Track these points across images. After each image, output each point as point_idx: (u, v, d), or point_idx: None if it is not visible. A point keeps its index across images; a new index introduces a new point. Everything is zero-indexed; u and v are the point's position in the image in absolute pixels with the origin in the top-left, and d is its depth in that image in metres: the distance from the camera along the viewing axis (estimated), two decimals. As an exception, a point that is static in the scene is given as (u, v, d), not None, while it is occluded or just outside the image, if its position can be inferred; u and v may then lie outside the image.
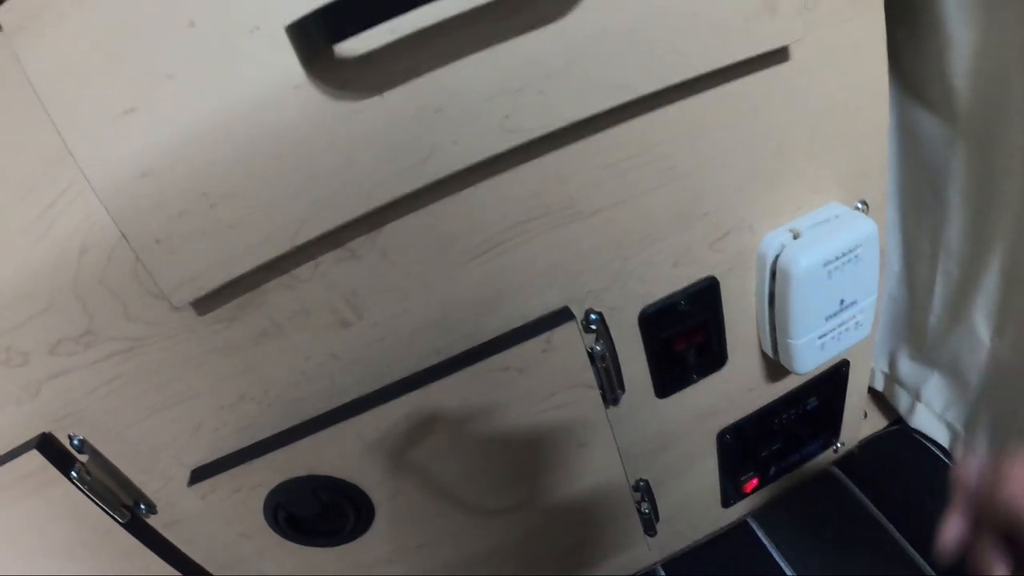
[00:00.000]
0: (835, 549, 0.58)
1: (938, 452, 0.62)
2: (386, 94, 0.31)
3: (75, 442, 0.40)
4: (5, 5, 0.30)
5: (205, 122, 0.31)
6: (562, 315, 0.41)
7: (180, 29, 0.30)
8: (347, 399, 0.41)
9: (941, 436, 0.62)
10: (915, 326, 0.60)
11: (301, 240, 0.33)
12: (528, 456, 0.46)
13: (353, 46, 0.30)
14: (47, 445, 0.39)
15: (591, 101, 0.34)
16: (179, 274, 0.33)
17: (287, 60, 0.30)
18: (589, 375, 0.43)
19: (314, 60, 0.30)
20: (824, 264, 0.43)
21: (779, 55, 0.39)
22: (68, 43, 0.29)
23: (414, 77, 0.31)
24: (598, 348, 0.42)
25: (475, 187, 0.36)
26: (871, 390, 0.68)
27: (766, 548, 0.60)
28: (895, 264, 0.60)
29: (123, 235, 0.33)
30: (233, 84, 0.30)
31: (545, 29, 0.32)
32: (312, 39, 0.29)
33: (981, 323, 0.53)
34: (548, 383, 0.42)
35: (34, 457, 0.39)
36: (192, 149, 0.31)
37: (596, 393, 0.44)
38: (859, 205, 0.47)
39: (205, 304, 0.36)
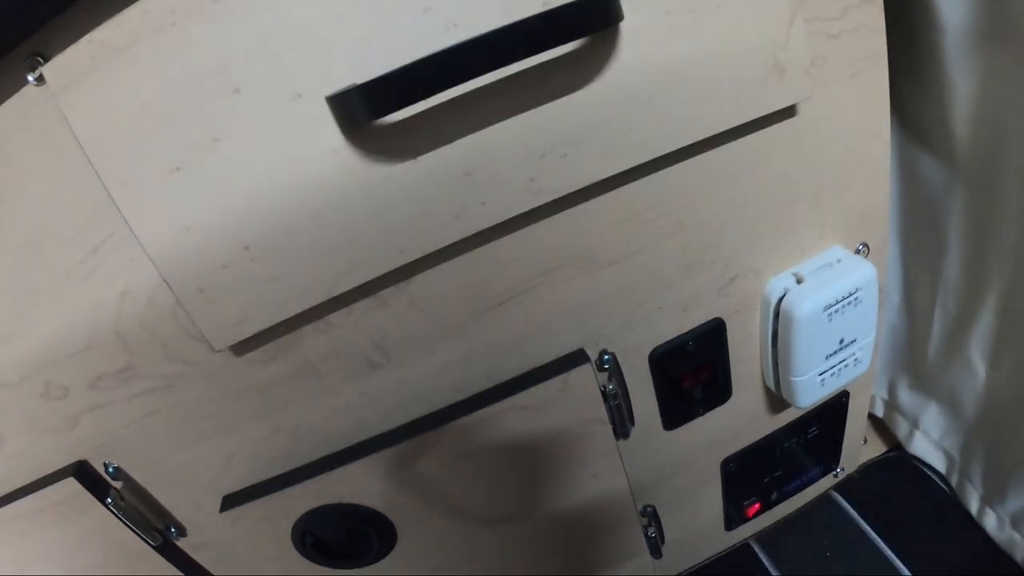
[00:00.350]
0: (834, 570, 0.60)
1: (935, 478, 0.64)
2: (419, 158, 0.33)
3: (110, 469, 0.42)
4: (52, 63, 0.30)
5: (248, 181, 0.32)
6: (578, 357, 0.43)
7: (226, 95, 0.31)
8: (374, 433, 0.43)
9: (938, 463, 0.64)
10: (915, 356, 0.62)
11: (337, 292, 0.35)
12: (543, 486, 0.48)
13: (390, 116, 0.32)
14: (83, 472, 0.41)
15: (611, 164, 0.36)
16: (220, 320, 0.35)
17: (327, 125, 0.32)
18: (602, 411, 0.45)
19: (353, 129, 0.32)
20: (825, 308, 0.45)
21: (787, 112, 0.40)
22: (114, 103, 0.30)
23: (446, 143, 0.33)
24: (611, 387, 0.44)
25: (500, 240, 0.38)
26: (871, 416, 0.70)
27: (767, 569, 0.62)
28: (896, 295, 0.62)
29: (167, 283, 0.34)
30: (275, 147, 0.32)
31: (569, 97, 0.34)
32: (354, 113, 0.30)
33: (977, 356, 0.55)
34: (564, 419, 0.44)
35: (70, 484, 0.40)
36: (235, 206, 0.33)
37: (608, 428, 0.46)
38: (860, 247, 0.49)
39: (243, 346, 0.38)
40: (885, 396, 0.68)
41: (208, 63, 0.31)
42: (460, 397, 0.43)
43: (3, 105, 0.32)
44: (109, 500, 0.41)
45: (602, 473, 0.48)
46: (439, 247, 0.35)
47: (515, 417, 0.42)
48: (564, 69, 0.33)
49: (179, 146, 0.32)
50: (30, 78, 0.31)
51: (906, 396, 0.65)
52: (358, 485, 0.43)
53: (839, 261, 0.47)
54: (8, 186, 0.33)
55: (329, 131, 0.32)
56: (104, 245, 0.35)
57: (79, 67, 0.30)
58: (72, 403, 0.39)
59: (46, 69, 0.31)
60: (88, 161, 0.32)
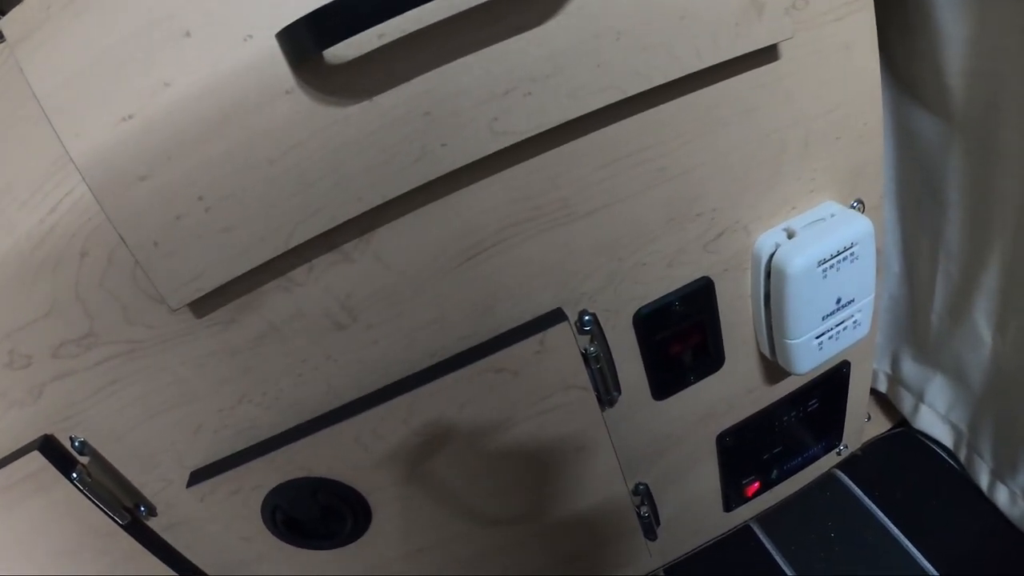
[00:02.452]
0: (839, 553, 0.58)
1: (943, 454, 0.61)
2: (375, 98, 0.32)
3: (76, 444, 0.41)
4: (8, 16, 0.31)
5: (200, 127, 0.31)
6: (555, 316, 0.41)
7: (176, 38, 0.31)
8: (344, 401, 0.41)
9: (945, 437, 0.61)
10: (917, 327, 0.60)
11: (295, 242, 0.34)
12: (524, 459, 0.46)
13: (341, 52, 0.30)
14: (49, 447, 0.40)
15: (579, 103, 0.34)
16: (176, 276, 0.34)
17: (279, 67, 0.31)
18: (583, 376, 0.43)
19: (304, 66, 0.31)
20: (819, 263, 0.43)
21: (769, 55, 0.39)
22: (68, 53, 0.30)
23: (402, 81, 0.32)
24: (592, 349, 0.42)
25: (467, 189, 0.36)
26: (874, 392, 0.67)
27: (769, 553, 0.60)
28: (895, 264, 0.60)
29: (121, 238, 0.33)
30: (227, 90, 0.31)
31: (532, 32, 0.32)
32: (301, 46, 0.29)
33: (982, 322, 0.53)
34: (542, 385, 0.42)
35: (35, 459, 0.39)
36: (188, 153, 0.32)
37: (591, 395, 0.44)
38: (855, 204, 0.47)
39: (202, 307, 0.37)
40: (888, 370, 0.66)
41: (158, 6, 0.30)
42: (432, 361, 0.41)
43: (-39, 65, 0.32)
44: (75, 475, 0.40)
45: (587, 446, 0.46)
46: (399, 193, 0.34)
47: (490, 381, 0.41)
48: (525, 2, 0.32)
49: (131, 93, 0.31)
50: (-14, 34, 0.31)
51: (910, 369, 0.62)
52: (327, 457, 0.41)
53: (833, 216, 0.45)
54: (-34, 146, 0.33)
55: (281, 72, 0.31)
56: (61, 204, 0.34)
57: (34, 19, 0.30)
58: (36, 373, 0.38)
59: (3, 23, 0.31)
60: (44, 114, 0.31)
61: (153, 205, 0.33)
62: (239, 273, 0.34)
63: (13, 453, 0.40)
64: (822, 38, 0.40)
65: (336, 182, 0.33)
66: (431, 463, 0.43)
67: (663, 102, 0.38)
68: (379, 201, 0.34)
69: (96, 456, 0.42)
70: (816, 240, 0.43)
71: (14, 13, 0.31)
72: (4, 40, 0.31)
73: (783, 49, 0.39)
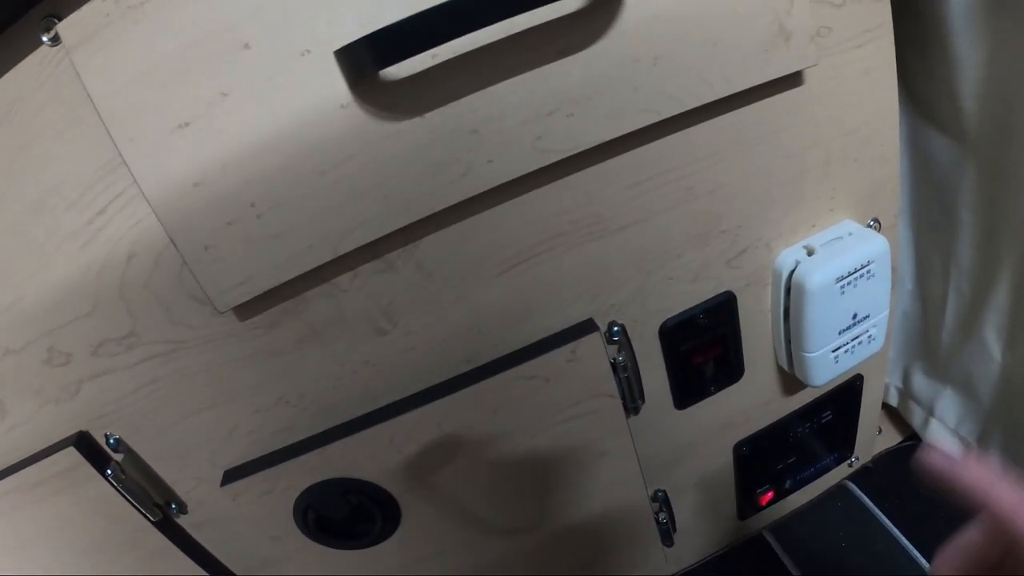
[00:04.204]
0: (850, 562, 0.58)
1: (952, 468, 0.62)
2: (426, 115, 0.33)
3: (111, 441, 0.41)
4: (66, 21, 0.31)
5: (255, 137, 0.32)
6: (587, 327, 0.42)
7: (235, 50, 0.32)
8: (379, 404, 0.42)
9: (955, 451, 0.62)
10: (928, 342, 0.61)
11: (342, 251, 0.35)
12: (550, 464, 0.47)
13: (397, 70, 0.32)
14: (84, 443, 0.41)
15: (617, 124, 0.36)
16: (224, 280, 0.35)
17: (335, 81, 0.32)
18: (611, 385, 0.44)
19: (360, 83, 0.32)
20: (837, 280, 0.44)
21: (794, 80, 0.41)
22: (126, 59, 0.31)
23: (453, 100, 0.33)
24: (620, 359, 0.43)
25: (507, 204, 0.38)
26: (886, 405, 0.68)
27: (781, 562, 0.61)
28: (908, 282, 0.61)
29: (172, 241, 0.34)
30: (283, 103, 0.32)
31: (575, 56, 0.34)
32: (360, 64, 0.30)
33: (992, 338, 0.54)
34: (572, 391, 0.43)
35: (70, 454, 0.40)
36: (242, 162, 0.33)
37: (617, 402, 0.45)
38: (872, 223, 0.49)
39: (247, 310, 0.38)
40: (899, 384, 0.67)
41: (219, 18, 0.31)
42: (467, 367, 0.42)
43: (18, 67, 0.32)
44: (109, 472, 0.41)
45: (611, 452, 0.47)
46: (445, 206, 0.35)
47: (522, 387, 0.42)
48: (570, 27, 0.33)
49: (188, 101, 0.32)
50: (44, 38, 0.32)
51: (921, 383, 0.64)
52: (361, 459, 0.42)
53: (851, 234, 0.46)
54: (19, 147, 0.34)
55: (337, 87, 0.32)
56: (111, 206, 0.35)
57: (93, 25, 0.31)
58: (74, 370, 0.39)
59: (61, 27, 0.31)
60: (99, 118, 0.32)
61: (205, 211, 0.33)
62: (286, 279, 0.35)
63: (47, 448, 0.41)
64: (844, 64, 0.42)
65: (385, 194, 0.34)
66: (461, 466, 0.44)
67: (692, 124, 0.39)
68: (425, 214, 0.35)
69: (130, 453, 0.42)
70: (835, 257, 0.44)
71: (72, 18, 0.31)
72: (59, 43, 0.32)
73: (807, 75, 0.41)
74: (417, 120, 0.33)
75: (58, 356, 0.38)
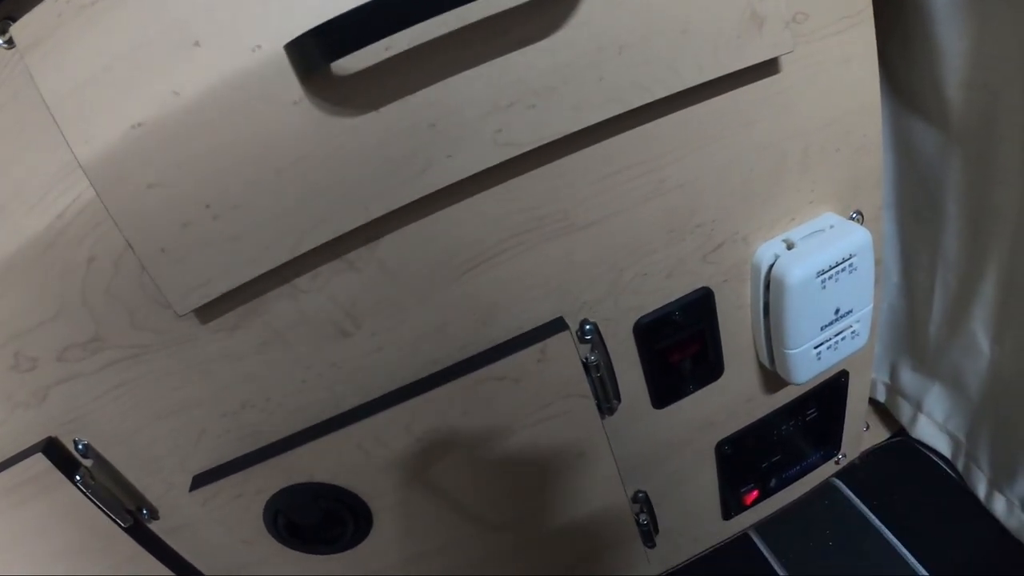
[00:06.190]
0: (837, 561, 0.58)
1: (940, 463, 0.61)
2: (382, 110, 0.32)
3: (80, 447, 0.41)
4: (19, 22, 0.31)
5: (208, 137, 0.32)
6: (556, 325, 0.41)
7: (186, 48, 0.31)
8: (347, 407, 0.42)
9: (943, 446, 0.61)
10: (915, 337, 0.60)
11: (301, 250, 0.34)
12: (525, 466, 0.46)
13: (349, 64, 0.31)
14: (52, 449, 0.40)
15: (582, 116, 0.35)
16: (183, 283, 0.34)
17: (286, 77, 0.31)
18: (584, 385, 0.43)
19: (312, 77, 0.31)
20: (818, 274, 0.43)
21: (769, 68, 0.39)
22: (79, 60, 0.31)
23: (409, 93, 0.32)
24: (592, 358, 0.43)
25: (471, 199, 0.37)
26: (873, 401, 0.68)
27: (767, 560, 0.60)
28: (894, 275, 0.60)
29: (129, 244, 0.34)
30: (235, 100, 0.31)
31: (535, 46, 0.33)
32: (309, 58, 0.30)
33: (980, 332, 0.53)
34: (543, 392, 0.42)
35: (39, 461, 0.40)
36: (196, 162, 0.32)
37: (591, 403, 0.44)
38: (854, 216, 0.48)
39: (208, 312, 0.37)
40: (887, 380, 0.66)
41: (169, 16, 0.31)
42: (434, 369, 0.42)
43: (-28, 70, 0.32)
44: (78, 478, 0.40)
45: (587, 453, 0.47)
46: (405, 203, 0.34)
47: (492, 389, 0.41)
48: (529, 16, 0.32)
49: (140, 101, 0.31)
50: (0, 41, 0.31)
51: (908, 378, 0.63)
52: (329, 462, 0.41)
53: (832, 227, 0.45)
54: (-22, 151, 0.33)
55: (289, 83, 0.31)
56: (69, 209, 0.35)
57: (46, 26, 0.31)
58: (41, 375, 0.38)
59: (14, 30, 0.31)
60: (53, 121, 0.31)
61: (161, 212, 0.33)
62: (245, 280, 0.35)
63: (17, 455, 0.41)
64: (822, 51, 0.41)
65: (342, 192, 0.33)
66: (432, 469, 0.44)
67: (663, 115, 0.38)
68: (384, 211, 0.34)
69: (99, 459, 0.42)
70: (815, 251, 0.43)
71: (25, 19, 0.31)
72: (15, 46, 0.32)
73: (783, 62, 0.40)
74: (372, 115, 0.32)
75: (24, 361, 0.38)
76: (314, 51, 0.29)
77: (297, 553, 0.45)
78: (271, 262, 0.34)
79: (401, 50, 0.31)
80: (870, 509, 0.60)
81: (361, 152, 0.33)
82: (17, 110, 0.33)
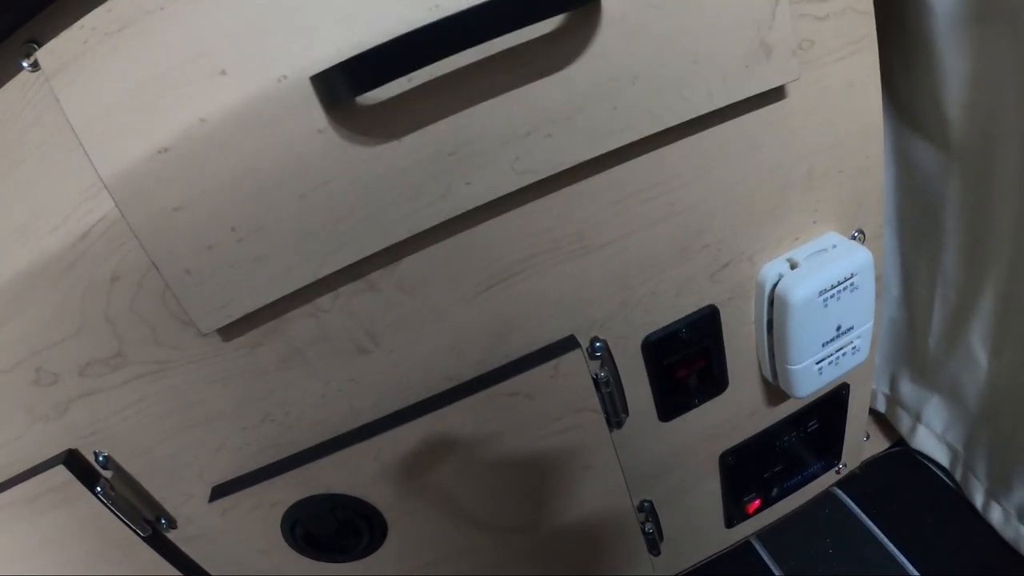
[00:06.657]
0: (837, 569, 0.59)
1: (939, 473, 0.63)
2: (404, 139, 0.33)
3: (100, 458, 0.42)
4: (45, 47, 0.31)
5: (234, 162, 0.33)
6: (568, 343, 0.42)
7: (212, 76, 0.32)
8: (364, 421, 0.43)
9: (942, 457, 0.62)
10: (915, 349, 0.61)
11: (323, 273, 0.35)
12: (535, 477, 0.47)
13: (373, 95, 0.32)
14: (73, 461, 0.41)
15: (597, 143, 0.36)
16: (207, 303, 0.35)
17: (312, 107, 0.32)
18: (594, 400, 0.44)
19: (336, 108, 0.32)
20: (820, 293, 0.44)
21: (776, 94, 0.40)
22: (105, 85, 0.31)
23: (430, 122, 0.33)
24: (602, 374, 0.44)
25: (488, 223, 0.38)
26: (873, 412, 0.69)
27: (769, 568, 0.61)
28: (895, 288, 0.61)
29: (155, 265, 0.34)
30: (261, 127, 0.32)
31: (553, 77, 0.34)
32: (335, 90, 0.31)
33: (978, 345, 0.54)
34: (555, 407, 0.44)
35: (60, 472, 0.40)
36: (221, 187, 0.33)
37: (600, 417, 0.45)
38: (856, 234, 0.49)
39: (230, 331, 0.38)
40: (886, 391, 0.67)
41: (195, 45, 0.31)
42: (450, 385, 0.43)
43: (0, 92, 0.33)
44: (99, 489, 0.41)
45: (595, 465, 0.48)
46: (425, 228, 0.35)
47: (505, 404, 0.42)
48: (547, 48, 0.33)
49: (166, 127, 0.32)
50: (24, 64, 0.32)
51: (908, 390, 0.64)
52: (347, 475, 0.42)
53: (834, 246, 0.46)
54: (4, 171, 0.34)
55: (314, 112, 0.32)
56: (94, 229, 0.35)
57: (72, 52, 0.31)
58: (62, 390, 0.39)
59: (40, 54, 0.31)
60: (79, 144, 0.32)
61: (187, 235, 0.34)
62: (268, 301, 0.36)
63: (38, 466, 0.41)
64: (827, 77, 0.42)
65: (364, 217, 0.34)
66: (445, 480, 0.45)
67: (673, 141, 0.39)
68: (405, 236, 0.35)
69: (119, 470, 0.43)
70: (818, 271, 0.44)
71: (52, 44, 0.31)
72: (40, 69, 0.32)
73: (789, 88, 0.41)
74: (394, 143, 0.33)
75: (46, 376, 0.39)
76: (341, 84, 0.30)
77: (312, 561, 0.46)
78: (294, 284, 0.35)
79: (423, 81, 0.32)
80: (870, 518, 0.61)
81: (383, 179, 0.34)
82: (41, 133, 0.33)
